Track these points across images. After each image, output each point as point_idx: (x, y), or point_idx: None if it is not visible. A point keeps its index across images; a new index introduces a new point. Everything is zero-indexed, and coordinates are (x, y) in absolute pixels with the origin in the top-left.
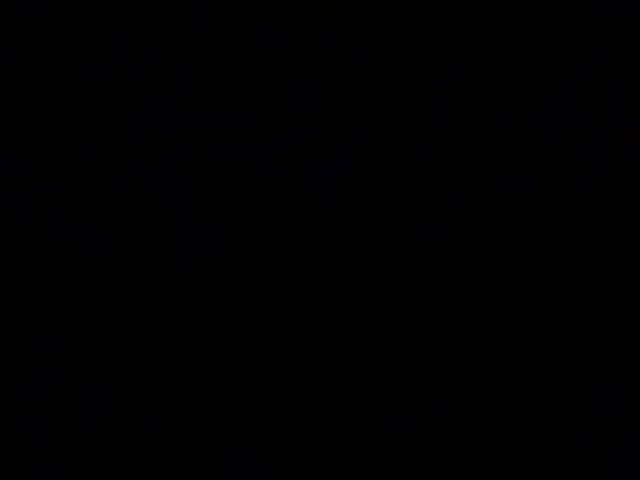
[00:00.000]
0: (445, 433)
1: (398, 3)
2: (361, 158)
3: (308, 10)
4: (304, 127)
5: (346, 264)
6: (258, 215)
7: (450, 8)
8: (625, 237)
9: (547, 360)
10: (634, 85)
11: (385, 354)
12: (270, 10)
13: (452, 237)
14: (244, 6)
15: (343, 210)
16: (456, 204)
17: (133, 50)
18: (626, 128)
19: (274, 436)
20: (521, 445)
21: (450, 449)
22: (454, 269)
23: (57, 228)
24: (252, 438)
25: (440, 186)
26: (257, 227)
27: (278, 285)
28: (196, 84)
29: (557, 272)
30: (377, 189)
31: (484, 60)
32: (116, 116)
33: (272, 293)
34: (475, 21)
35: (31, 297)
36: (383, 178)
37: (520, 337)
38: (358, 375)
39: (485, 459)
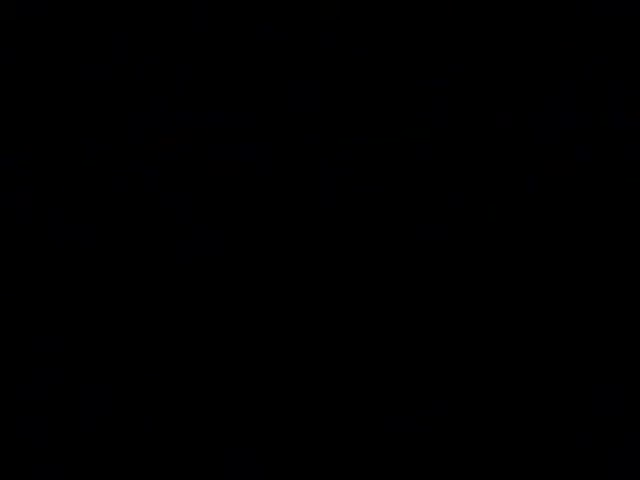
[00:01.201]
0: (445, 433)
1: (398, 3)
2: (361, 158)
3: (308, 10)
4: (304, 127)
5: (346, 264)
6: (258, 215)
7: (450, 8)
8: (625, 237)
9: (547, 360)
10: (634, 85)
11: (385, 354)
12: (270, 10)
13: (452, 237)
14: (244, 6)
15: (343, 210)
16: (456, 204)
17: (133, 50)
18: (626, 128)
19: (274, 436)
20: (521, 445)
21: (450, 449)
22: (454, 269)
23: (57, 228)
24: (252, 438)
25: (440, 186)
26: (257, 227)
27: (278, 285)
28: (196, 84)
29: (557, 272)
30: (377, 189)
31: (484, 60)
32: (116, 116)
33: (272, 293)
34: (475, 21)
35: (31, 297)
36: (383, 178)
37: (520, 337)
38: (358, 375)
39: (485, 459)
